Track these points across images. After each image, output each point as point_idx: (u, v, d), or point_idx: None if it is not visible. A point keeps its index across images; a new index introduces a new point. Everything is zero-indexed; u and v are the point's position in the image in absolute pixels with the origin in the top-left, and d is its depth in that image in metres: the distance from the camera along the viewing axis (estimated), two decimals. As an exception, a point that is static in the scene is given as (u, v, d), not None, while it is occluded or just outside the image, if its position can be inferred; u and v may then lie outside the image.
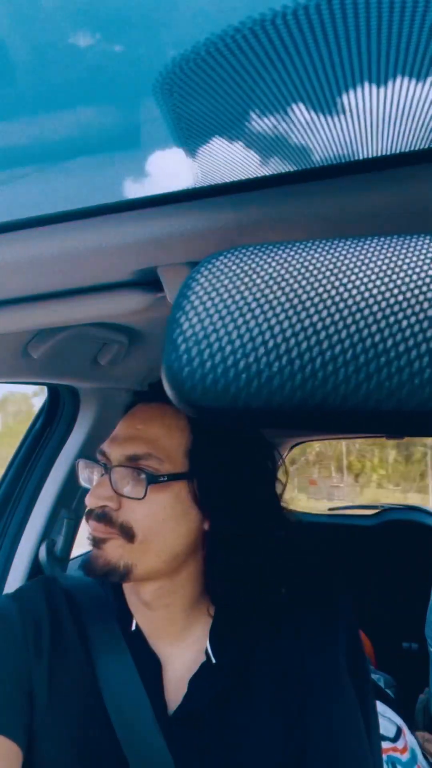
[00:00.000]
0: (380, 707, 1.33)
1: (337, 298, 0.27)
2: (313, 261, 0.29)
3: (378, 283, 0.27)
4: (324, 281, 0.28)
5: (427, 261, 0.28)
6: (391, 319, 0.26)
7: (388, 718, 1.35)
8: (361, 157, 0.41)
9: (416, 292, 0.27)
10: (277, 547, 0.72)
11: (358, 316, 0.27)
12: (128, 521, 0.66)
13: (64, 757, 0.65)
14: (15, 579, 1.26)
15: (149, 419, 0.72)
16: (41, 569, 1.27)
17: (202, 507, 0.69)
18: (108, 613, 0.75)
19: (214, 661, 0.70)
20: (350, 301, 0.27)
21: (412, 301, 0.26)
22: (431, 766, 1.42)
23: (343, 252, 0.30)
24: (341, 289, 0.28)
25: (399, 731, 1.32)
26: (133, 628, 0.73)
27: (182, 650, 0.72)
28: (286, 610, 0.76)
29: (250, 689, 0.69)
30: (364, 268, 0.28)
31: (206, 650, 0.71)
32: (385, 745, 1.27)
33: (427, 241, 0.29)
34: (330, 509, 3.24)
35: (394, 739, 1.29)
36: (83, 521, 0.81)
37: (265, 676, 0.70)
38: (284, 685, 0.69)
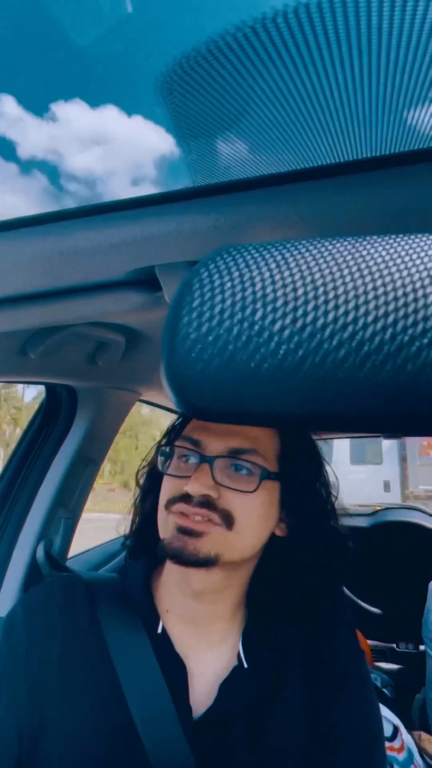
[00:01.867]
0: (377, 707, 1.33)
1: (335, 298, 0.27)
2: (311, 259, 0.29)
3: (375, 282, 0.27)
4: (322, 280, 0.28)
5: (424, 259, 0.28)
6: (390, 319, 0.26)
7: (384, 718, 1.35)
8: (359, 157, 0.41)
9: (412, 289, 0.27)
10: (329, 556, 0.75)
11: (356, 314, 0.27)
12: (230, 509, 0.66)
13: (88, 761, 0.64)
14: (12, 578, 1.25)
15: None
16: (39, 569, 1.26)
17: (283, 510, 0.71)
18: (134, 613, 0.74)
19: (246, 665, 0.70)
20: (348, 300, 0.27)
21: (410, 297, 0.26)
22: (427, 765, 1.42)
23: (341, 250, 0.30)
24: (339, 288, 0.28)
25: (396, 730, 1.32)
26: (159, 630, 0.72)
27: (212, 653, 0.72)
28: (322, 611, 0.77)
29: (279, 694, 0.70)
30: (361, 266, 0.28)
31: (239, 654, 0.71)
32: (381, 744, 1.27)
33: (423, 240, 0.29)
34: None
35: (391, 739, 1.29)
36: (135, 512, 0.82)
37: (295, 681, 0.71)
38: (312, 689, 0.70)
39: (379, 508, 2.94)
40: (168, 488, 0.70)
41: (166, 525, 0.69)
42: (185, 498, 0.67)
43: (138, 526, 0.81)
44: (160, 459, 0.73)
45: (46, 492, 1.31)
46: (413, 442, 8.53)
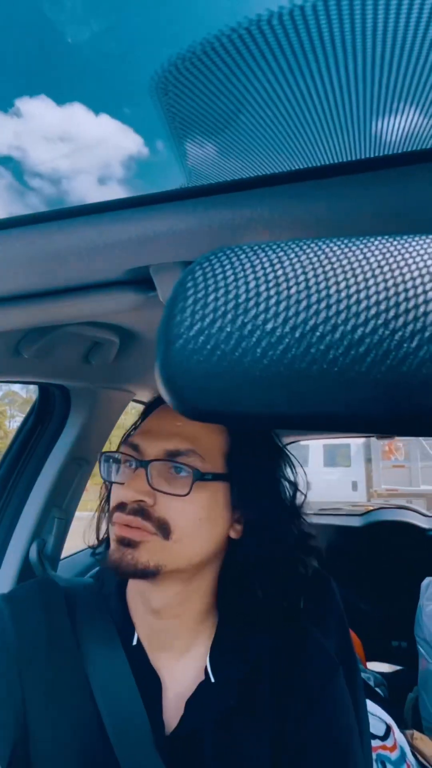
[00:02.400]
0: (370, 706, 1.34)
1: (331, 298, 0.28)
2: (306, 260, 0.29)
3: (370, 283, 0.28)
4: (317, 280, 0.28)
5: (417, 260, 0.28)
6: (386, 320, 0.26)
7: (377, 717, 1.35)
8: (354, 158, 0.41)
9: (404, 290, 0.27)
10: (294, 558, 0.71)
11: (353, 315, 0.27)
12: (165, 516, 0.63)
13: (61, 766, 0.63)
14: (5, 578, 1.25)
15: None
16: (32, 569, 1.26)
17: (235, 510, 0.68)
18: (109, 623, 0.72)
19: (213, 680, 0.68)
20: (344, 300, 0.27)
21: (408, 298, 0.27)
22: (420, 763, 1.43)
23: (336, 251, 0.30)
24: (335, 288, 0.28)
25: (388, 729, 1.33)
26: (135, 642, 0.70)
27: (182, 667, 0.70)
28: (293, 622, 0.74)
29: (251, 707, 0.67)
30: (355, 266, 0.28)
31: (205, 669, 0.69)
32: (374, 743, 1.27)
33: (418, 242, 0.29)
34: (320, 509, 3.25)
35: (384, 738, 1.30)
36: (99, 520, 0.79)
37: (268, 691, 0.68)
38: (284, 702, 0.67)
39: (371, 507, 2.96)
40: (112, 496, 0.68)
41: (111, 535, 0.67)
42: (121, 507, 0.65)
43: (106, 534, 0.76)
44: (104, 466, 0.71)
45: (39, 492, 1.31)
46: (377, 447, 9.70)
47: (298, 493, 0.75)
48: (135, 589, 0.72)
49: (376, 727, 1.31)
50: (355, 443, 9.64)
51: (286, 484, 0.73)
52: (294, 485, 0.74)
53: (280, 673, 0.69)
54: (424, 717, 1.79)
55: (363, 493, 9.48)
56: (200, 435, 0.68)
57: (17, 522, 1.29)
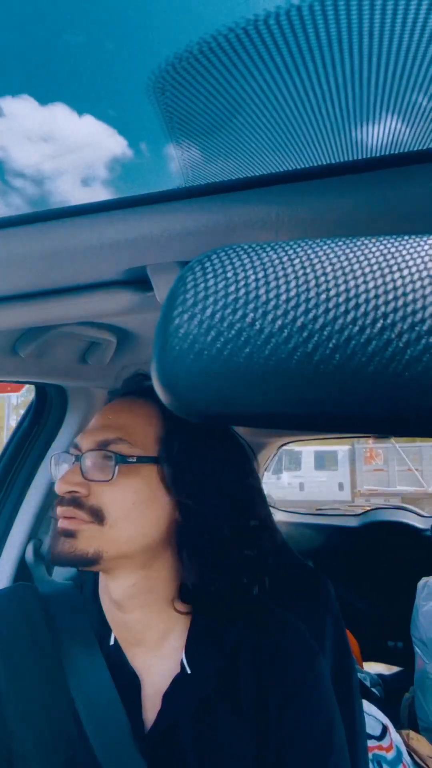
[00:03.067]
0: (366, 706, 1.34)
1: (329, 298, 0.28)
2: (304, 261, 0.29)
3: (368, 283, 0.28)
4: (315, 281, 0.28)
5: (417, 260, 0.28)
6: (384, 320, 0.27)
7: (373, 717, 1.36)
8: (352, 158, 0.41)
9: (403, 292, 0.27)
10: (250, 540, 0.71)
11: (351, 316, 0.27)
12: (97, 504, 0.65)
13: None
14: (1, 579, 1.25)
15: (120, 410, 0.73)
16: (28, 569, 1.26)
17: (171, 493, 0.68)
18: (87, 625, 0.73)
19: (189, 671, 0.68)
20: (342, 301, 0.27)
21: (408, 299, 0.27)
22: (416, 763, 1.43)
23: (333, 251, 0.30)
24: (332, 288, 0.28)
25: (384, 729, 1.33)
26: (112, 642, 0.71)
27: (159, 662, 0.70)
28: (271, 611, 0.74)
29: (231, 697, 0.67)
30: (354, 267, 0.29)
31: (182, 661, 0.69)
32: (370, 743, 1.27)
33: (416, 242, 0.29)
34: (317, 509, 3.26)
35: (380, 738, 1.30)
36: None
37: (248, 681, 0.68)
38: (265, 691, 0.67)
39: (368, 508, 2.96)
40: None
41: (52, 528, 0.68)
42: (59, 500, 0.68)
43: None
44: (53, 469, 0.74)
45: (35, 492, 1.30)
46: (360, 453, 11.31)
47: (251, 479, 0.74)
48: (101, 586, 0.73)
49: (372, 727, 1.32)
50: (342, 449, 11.06)
51: (225, 464, 0.73)
52: (242, 475, 0.74)
53: (261, 662, 0.69)
54: (420, 717, 1.79)
55: (348, 493, 10.76)
56: (131, 424, 0.70)
57: (13, 522, 1.29)
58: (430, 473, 10.64)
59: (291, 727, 0.66)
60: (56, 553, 0.65)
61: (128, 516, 0.66)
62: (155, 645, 0.70)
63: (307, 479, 10.64)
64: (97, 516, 0.65)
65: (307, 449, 10.85)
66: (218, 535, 0.68)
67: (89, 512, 0.65)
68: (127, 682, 0.68)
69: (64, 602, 0.76)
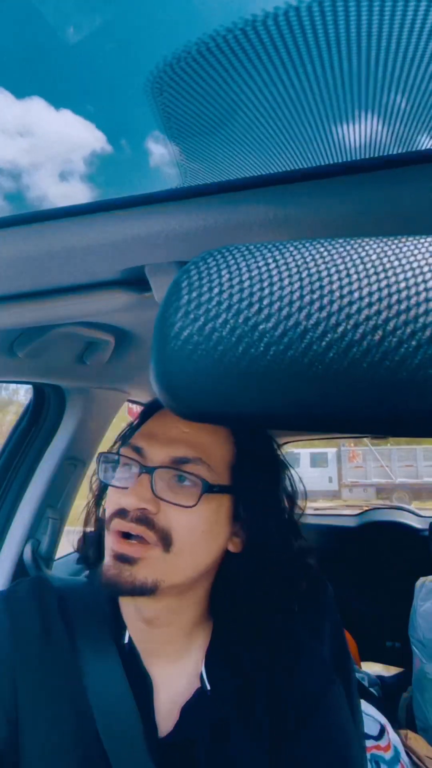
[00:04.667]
0: (364, 706, 1.34)
1: (328, 298, 0.28)
2: (302, 261, 0.29)
3: (366, 283, 0.28)
4: (313, 281, 0.28)
5: (411, 260, 0.28)
6: (381, 320, 0.27)
7: (371, 717, 1.36)
8: (350, 159, 0.41)
9: (397, 290, 0.27)
10: (292, 571, 0.69)
11: (349, 316, 0.27)
12: (168, 528, 0.60)
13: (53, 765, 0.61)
14: (-1, 579, 1.25)
15: (198, 425, 0.66)
16: (25, 569, 1.26)
17: (234, 525, 0.66)
18: (101, 622, 0.70)
19: (208, 688, 0.66)
20: (340, 301, 0.27)
21: (406, 299, 0.27)
22: (414, 763, 1.43)
23: (331, 251, 0.30)
24: (331, 289, 0.28)
25: (382, 729, 1.33)
26: (126, 641, 0.69)
27: (177, 672, 0.68)
28: (288, 631, 0.73)
29: (247, 718, 0.65)
30: (349, 267, 0.29)
31: (201, 676, 0.67)
32: (368, 743, 1.27)
33: (414, 243, 0.29)
34: (315, 509, 3.26)
35: (378, 738, 1.30)
36: (88, 519, 0.76)
37: (264, 701, 0.66)
38: (281, 712, 0.66)
39: (367, 508, 2.96)
40: (110, 501, 0.66)
41: (107, 547, 0.63)
42: (121, 513, 0.62)
43: (94, 537, 0.74)
44: (104, 467, 0.68)
45: (33, 492, 1.30)
46: (345, 453, 15.05)
47: (296, 508, 0.73)
48: (127, 597, 0.69)
49: (370, 727, 1.32)
50: (330, 451, 14.95)
51: (285, 498, 0.71)
52: (293, 499, 0.72)
53: (277, 685, 0.68)
54: (418, 717, 1.79)
55: (336, 484, 14.77)
56: (207, 444, 0.65)
57: (11, 522, 1.29)
58: (396, 468, 14.50)
59: (306, 750, 0.64)
60: (114, 581, 0.60)
61: (195, 545, 0.62)
62: (174, 657, 0.69)
63: (305, 474, 12.81)
64: (166, 540, 0.60)
65: (303, 451, 14.51)
66: (281, 569, 0.67)
67: (159, 535, 0.60)
68: (140, 683, 0.66)
69: (78, 597, 0.73)
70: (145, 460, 0.64)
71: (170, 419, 0.67)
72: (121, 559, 0.60)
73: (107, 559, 0.62)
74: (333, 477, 14.62)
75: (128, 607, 0.70)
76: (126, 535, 0.61)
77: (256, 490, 0.66)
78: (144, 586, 0.59)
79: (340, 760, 0.64)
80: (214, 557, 0.65)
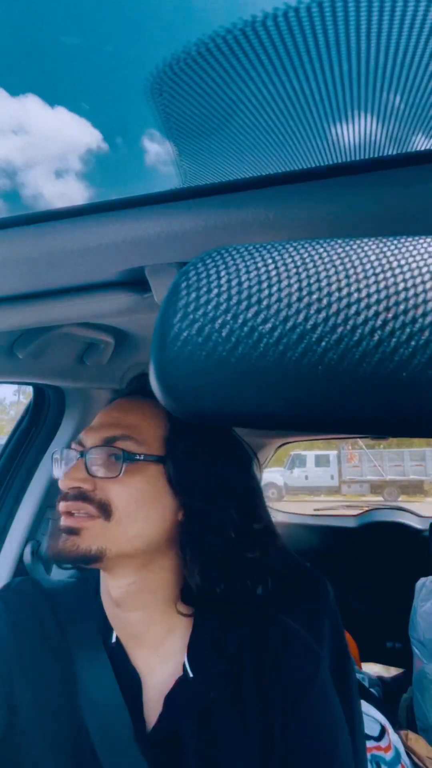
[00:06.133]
0: (364, 706, 1.34)
1: (327, 299, 0.28)
2: (302, 261, 0.29)
3: (365, 284, 0.28)
4: (313, 281, 0.28)
5: (410, 261, 0.28)
6: (386, 318, 0.27)
7: (372, 717, 1.36)
8: (346, 159, 0.41)
9: (396, 291, 0.27)
10: (253, 543, 0.71)
11: (349, 317, 0.27)
12: (105, 498, 0.65)
13: (45, 766, 0.62)
14: (-1, 581, 1.25)
15: (127, 409, 0.73)
16: (26, 571, 1.26)
17: (176, 493, 0.68)
18: (90, 622, 0.72)
19: (191, 675, 0.67)
20: (340, 302, 0.27)
21: (406, 299, 0.27)
22: (414, 764, 1.43)
23: (331, 252, 0.30)
24: (329, 289, 0.28)
25: (383, 730, 1.33)
26: (113, 640, 0.71)
27: (161, 663, 0.69)
28: (273, 617, 0.74)
29: (234, 701, 0.66)
30: (348, 267, 0.29)
31: (183, 664, 0.68)
32: (369, 744, 1.27)
33: (413, 243, 0.29)
34: (315, 510, 3.26)
35: (378, 738, 1.30)
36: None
37: (251, 687, 0.67)
38: (269, 698, 0.67)
39: (367, 508, 2.96)
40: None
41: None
42: (63, 496, 0.67)
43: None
44: (54, 465, 0.73)
45: (33, 493, 1.30)
46: (344, 455, 17.42)
47: (251, 486, 0.75)
48: (102, 584, 0.72)
49: (370, 728, 1.31)
50: (332, 453, 17.44)
51: (230, 468, 0.73)
52: (245, 477, 0.74)
53: (264, 668, 0.69)
54: (419, 717, 1.79)
55: (336, 481, 17.06)
56: (138, 422, 0.70)
57: (11, 523, 1.29)
58: (387, 467, 16.90)
59: (296, 734, 0.65)
60: (58, 550, 0.64)
61: (133, 513, 0.65)
62: (156, 645, 0.70)
63: (310, 473, 16.84)
64: (105, 510, 0.65)
65: (309, 453, 17.26)
66: (222, 537, 0.68)
67: (97, 506, 0.65)
68: (128, 681, 0.68)
69: (68, 598, 0.75)
70: (83, 447, 0.69)
71: (108, 410, 0.74)
72: (66, 531, 0.64)
73: (52, 536, 0.66)
74: (334, 475, 17.06)
75: (105, 597, 0.72)
76: (68, 515, 0.66)
77: (189, 460, 0.69)
78: (88, 553, 0.63)
79: (329, 742, 0.66)
80: (160, 527, 0.68)
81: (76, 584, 0.79)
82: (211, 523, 0.68)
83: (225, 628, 0.71)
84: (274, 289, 0.29)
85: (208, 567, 0.68)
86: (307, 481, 16.52)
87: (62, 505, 0.66)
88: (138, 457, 0.67)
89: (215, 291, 0.30)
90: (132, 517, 0.65)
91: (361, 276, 0.28)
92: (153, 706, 0.67)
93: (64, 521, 0.66)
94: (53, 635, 0.70)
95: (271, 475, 15.16)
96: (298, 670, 0.69)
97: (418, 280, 0.27)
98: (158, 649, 0.70)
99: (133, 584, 0.68)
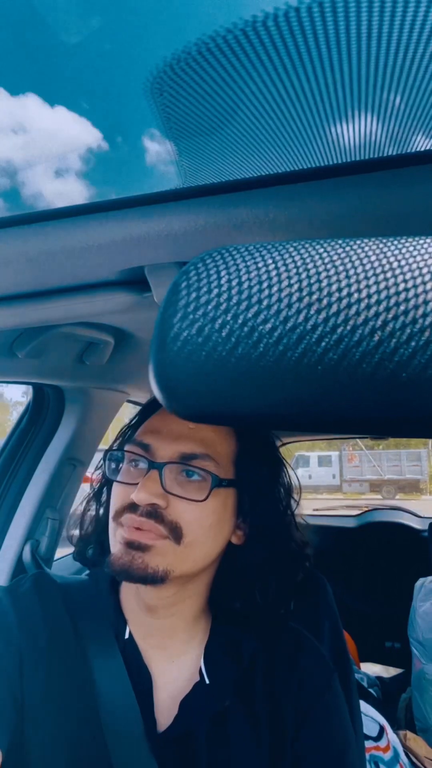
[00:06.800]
0: (363, 706, 1.34)
1: (328, 299, 0.28)
2: (302, 261, 0.29)
3: (366, 284, 0.28)
4: (314, 281, 0.28)
5: (411, 261, 0.28)
6: (386, 318, 0.27)
7: (370, 717, 1.36)
8: (347, 159, 0.41)
9: (396, 291, 0.27)
10: (293, 565, 0.71)
11: (350, 317, 0.27)
12: (177, 520, 0.62)
13: (55, 761, 0.62)
14: (-2, 580, 1.25)
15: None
16: (25, 570, 1.26)
17: (238, 517, 0.68)
18: (103, 618, 0.71)
19: (207, 681, 0.67)
20: (341, 302, 0.27)
21: (405, 299, 0.27)
22: (413, 764, 1.43)
23: (331, 252, 0.30)
24: (331, 290, 0.28)
25: (381, 730, 1.33)
26: (126, 636, 0.69)
27: (177, 669, 0.69)
28: (288, 627, 0.74)
29: (247, 709, 0.67)
30: (348, 267, 0.29)
31: (200, 669, 0.68)
32: (367, 744, 1.27)
33: (414, 243, 0.29)
34: (315, 509, 3.26)
35: (377, 738, 1.30)
36: (84, 517, 0.77)
37: (264, 693, 0.68)
38: (281, 707, 0.67)
39: (366, 509, 2.97)
40: (116, 496, 0.67)
41: (114, 538, 0.65)
42: (132, 507, 0.63)
43: (95, 534, 0.75)
44: (108, 464, 0.70)
45: (32, 493, 1.30)
46: (345, 456, 18.78)
47: (293, 501, 0.74)
48: (130, 587, 0.71)
49: (369, 728, 1.32)
50: (334, 454, 18.93)
51: (283, 492, 0.73)
52: (289, 492, 0.74)
53: (276, 675, 0.69)
54: (417, 718, 1.79)
55: (338, 480, 18.52)
56: (213, 439, 0.67)
57: (10, 523, 1.29)
58: (386, 467, 18.30)
59: (307, 744, 0.65)
60: (125, 566, 0.61)
61: (204, 537, 0.64)
62: (175, 652, 0.70)
63: (314, 472, 18.18)
64: (175, 533, 0.62)
65: (312, 454, 18.86)
66: (268, 559, 0.69)
67: (169, 528, 0.62)
68: (140, 678, 0.67)
69: (80, 594, 0.74)
70: (153, 456, 0.65)
71: (173, 415, 0.67)
72: (133, 546, 0.61)
73: (117, 548, 0.63)
74: (336, 474, 18.65)
75: (129, 598, 0.71)
76: (138, 530, 0.62)
77: (258, 483, 0.68)
78: (156, 574, 0.61)
79: (339, 753, 0.66)
80: (220, 549, 0.67)
81: (89, 581, 0.78)
82: (275, 546, 0.68)
83: (240, 636, 0.71)
84: (275, 289, 0.29)
85: (255, 586, 0.69)
86: (311, 480, 17.71)
87: (131, 519, 0.63)
88: (224, 483, 0.64)
89: (215, 291, 0.30)
90: (201, 540, 0.64)
91: (361, 276, 0.28)
92: (165, 707, 0.67)
93: (131, 535, 0.62)
94: (67, 630, 0.69)
95: (277, 475, 17.18)
96: (310, 679, 0.69)
97: (419, 280, 0.27)
98: (175, 653, 0.70)
99: (173, 596, 0.67)
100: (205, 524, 0.64)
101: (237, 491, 0.67)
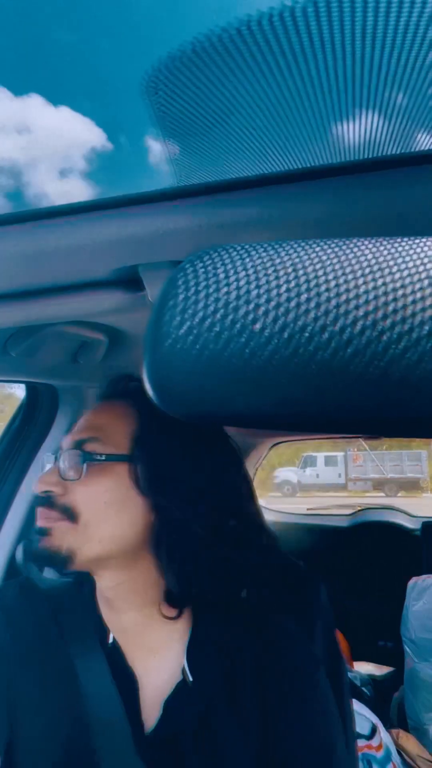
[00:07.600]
0: (356, 705, 1.34)
1: (321, 299, 0.28)
2: (297, 261, 0.29)
3: (362, 284, 0.28)
4: (307, 281, 0.28)
5: (407, 261, 0.28)
6: (378, 317, 0.27)
7: (363, 716, 1.36)
8: (346, 159, 0.41)
9: (392, 289, 0.27)
10: (230, 540, 0.69)
11: (342, 316, 0.27)
12: (69, 502, 0.66)
13: (43, 765, 0.62)
14: (-10, 580, 1.24)
15: (100, 410, 0.74)
16: (18, 570, 1.25)
17: (145, 494, 0.67)
18: (87, 621, 0.72)
19: (191, 679, 0.67)
20: (333, 302, 0.27)
21: (398, 299, 0.27)
22: (405, 763, 1.43)
23: (327, 252, 0.30)
24: (324, 290, 0.28)
25: (374, 729, 1.33)
26: (110, 641, 0.70)
27: (159, 665, 0.69)
28: (273, 619, 0.74)
29: (233, 703, 0.66)
30: (345, 267, 0.29)
31: (183, 669, 0.68)
32: (360, 742, 1.28)
33: (410, 244, 0.29)
34: (308, 509, 3.27)
35: (369, 737, 1.31)
36: None
37: (249, 689, 0.67)
38: (267, 699, 0.67)
39: (360, 508, 2.98)
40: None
41: None
42: (38, 500, 0.68)
43: None
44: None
45: (26, 492, 1.30)
46: (350, 456, 19.37)
47: (231, 481, 0.72)
48: (97, 587, 0.73)
49: (361, 727, 1.32)
50: (340, 454, 19.44)
51: (208, 468, 0.70)
52: (225, 473, 0.71)
53: (262, 670, 0.68)
54: (410, 716, 1.79)
55: (343, 479, 19.18)
56: (107, 423, 0.70)
57: (3, 523, 1.28)
58: (388, 467, 19.05)
59: (294, 735, 0.65)
60: (33, 550, 0.65)
61: (101, 515, 0.65)
62: (153, 648, 0.70)
63: (320, 471, 19.03)
64: (68, 514, 0.65)
65: (319, 454, 19.41)
66: (192, 535, 0.67)
67: (60, 510, 0.66)
68: (125, 682, 0.68)
69: (65, 599, 0.75)
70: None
71: (86, 414, 0.75)
72: (38, 532, 0.66)
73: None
74: (341, 473, 19.52)
75: (101, 601, 0.73)
76: (41, 517, 0.67)
77: (158, 459, 0.68)
78: (58, 553, 0.64)
79: (326, 744, 0.66)
80: (133, 528, 0.67)
81: (73, 584, 0.78)
82: (180, 523, 0.67)
83: (223, 632, 0.71)
84: (269, 288, 0.29)
85: (182, 568, 0.67)
86: (318, 479, 18.90)
87: (38, 510, 0.68)
88: (99, 458, 0.67)
89: (209, 290, 0.30)
90: (100, 518, 0.65)
91: (350, 277, 0.28)
92: (151, 708, 0.67)
93: (37, 522, 0.67)
94: (52, 635, 0.70)
95: (286, 474, 18.17)
96: (295, 671, 0.69)
97: (415, 278, 0.27)
98: (156, 652, 0.70)
99: (122, 585, 0.68)
100: (99, 502, 0.66)
101: (133, 467, 0.67)
